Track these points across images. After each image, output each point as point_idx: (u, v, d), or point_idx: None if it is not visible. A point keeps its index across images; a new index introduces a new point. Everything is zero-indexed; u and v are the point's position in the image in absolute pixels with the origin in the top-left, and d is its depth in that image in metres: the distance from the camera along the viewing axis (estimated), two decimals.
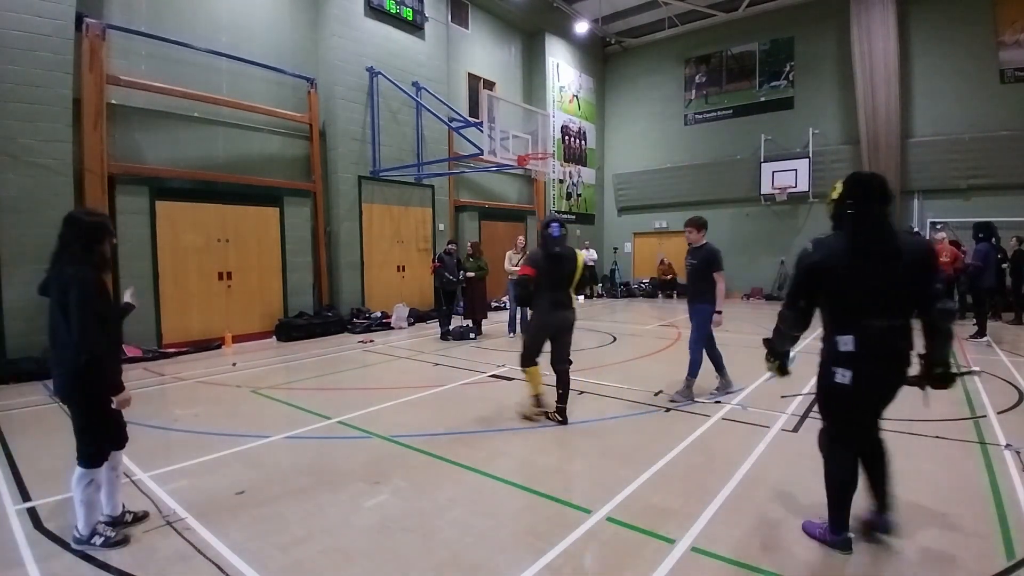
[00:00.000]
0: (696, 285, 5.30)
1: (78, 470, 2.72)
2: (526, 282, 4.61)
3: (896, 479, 3.43)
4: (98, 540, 2.71)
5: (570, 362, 4.73)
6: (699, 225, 5.41)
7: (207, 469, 3.75)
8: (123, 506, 2.98)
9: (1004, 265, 10.20)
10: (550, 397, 4.76)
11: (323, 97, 10.56)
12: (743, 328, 10.31)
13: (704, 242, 5.34)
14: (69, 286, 2.58)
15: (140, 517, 3.00)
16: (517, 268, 9.20)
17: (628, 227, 18.84)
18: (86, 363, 2.56)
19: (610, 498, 3.19)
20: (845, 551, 2.56)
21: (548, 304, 4.61)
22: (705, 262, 5.18)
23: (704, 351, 5.31)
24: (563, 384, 4.68)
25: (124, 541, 2.75)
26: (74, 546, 2.72)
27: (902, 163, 13.41)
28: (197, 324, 8.66)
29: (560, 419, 4.62)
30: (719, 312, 5.13)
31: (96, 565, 2.57)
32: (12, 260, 6.86)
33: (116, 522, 2.88)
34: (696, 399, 5.26)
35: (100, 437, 2.76)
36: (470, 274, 9.44)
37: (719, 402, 5.17)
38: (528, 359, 4.75)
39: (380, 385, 6.20)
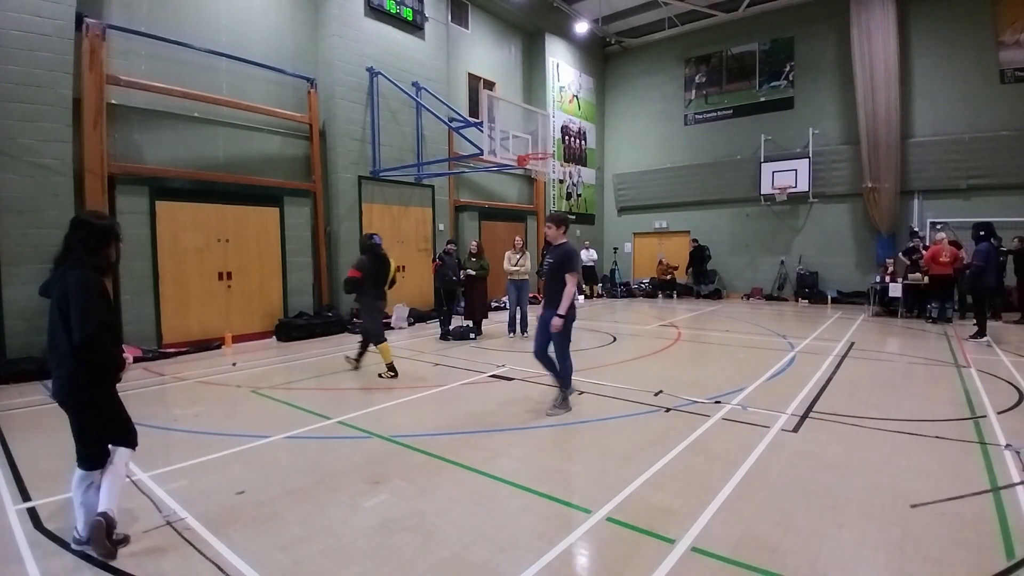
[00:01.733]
0: (553, 288, 4.90)
1: (78, 472, 2.73)
2: (356, 281, 6.40)
3: (896, 479, 3.44)
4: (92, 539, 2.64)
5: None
6: (559, 221, 5.05)
7: (207, 469, 3.75)
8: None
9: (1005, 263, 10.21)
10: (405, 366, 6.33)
11: (323, 97, 10.56)
12: (743, 328, 10.32)
13: (564, 240, 5.00)
14: (70, 289, 2.58)
15: (118, 537, 2.76)
16: (517, 268, 9.23)
17: (628, 227, 18.84)
18: (84, 339, 2.53)
19: (610, 498, 3.19)
20: None
21: (373, 296, 6.55)
22: (560, 262, 4.85)
23: (544, 354, 5.01)
24: (365, 346, 6.79)
25: (124, 541, 2.73)
26: (74, 547, 2.72)
27: (902, 163, 13.40)
28: (197, 324, 8.66)
29: (392, 374, 6.37)
30: (560, 316, 4.71)
31: (96, 565, 2.57)
32: (12, 260, 6.85)
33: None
34: (696, 400, 5.26)
35: (99, 439, 2.76)
36: (471, 272, 9.44)
37: (718, 402, 5.17)
38: (379, 338, 6.49)
39: (380, 385, 6.20)
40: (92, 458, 2.73)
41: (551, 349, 5.00)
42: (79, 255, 2.66)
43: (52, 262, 2.73)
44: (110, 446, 2.79)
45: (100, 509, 2.66)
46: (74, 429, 2.73)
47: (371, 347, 6.79)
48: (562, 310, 4.70)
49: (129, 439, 2.85)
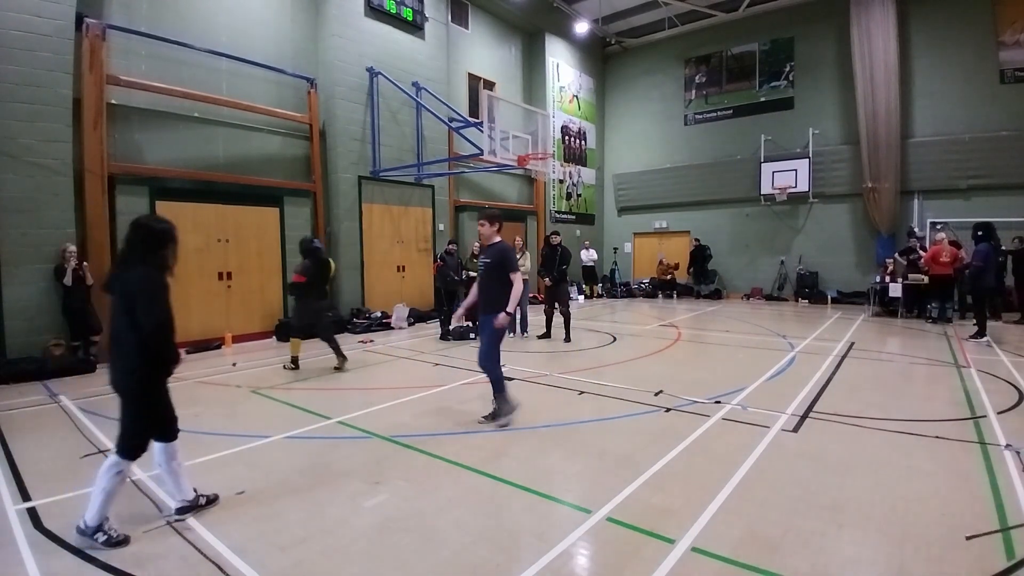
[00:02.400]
0: (489, 290, 4.57)
1: (112, 458, 2.80)
2: (301, 285, 6.74)
3: (896, 479, 3.44)
4: (101, 537, 2.70)
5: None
6: (492, 218, 4.69)
7: (207, 469, 3.75)
8: (195, 490, 3.12)
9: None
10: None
11: (323, 97, 10.56)
12: (743, 328, 10.32)
13: (499, 239, 4.69)
14: (135, 285, 2.78)
15: (212, 500, 3.17)
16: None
17: (628, 227, 18.84)
18: (150, 333, 2.76)
19: (610, 498, 3.19)
20: None
21: (315, 296, 6.90)
22: (498, 262, 4.52)
23: (490, 367, 4.63)
24: (333, 342, 6.96)
25: (125, 541, 2.74)
26: (75, 535, 2.72)
27: (902, 163, 13.40)
28: (197, 324, 8.66)
29: (294, 367, 6.92)
30: (508, 313, 4.46)
31: (97, 565, 2.57)
32: (12, 260, 6.85)
33: (192, 506, 3.06)
34: (696, 400, 5.26)
35: (145, 431, 2.91)
36: (473, 274, 9.43)
37: (718, 402, 5.17)
38: (297, 331, 7.06)
39: (380, 385, 6.20)
40: (135, 448, 2.85)
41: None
42: (140, 255, 2.87)
43: (114, 261, 2.98)
44: (154, 442, 2.96)
45: (190, 496, 3.04)
46: (124, 418, 2.86)
47: (345, 352, 7.21)
48: (511, 307, 4.44)
49: (172, 432, 3.04)
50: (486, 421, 4.65)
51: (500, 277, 4.48)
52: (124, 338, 2.80)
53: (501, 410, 4.63)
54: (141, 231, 2.94)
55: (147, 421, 2.90)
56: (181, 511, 3.02)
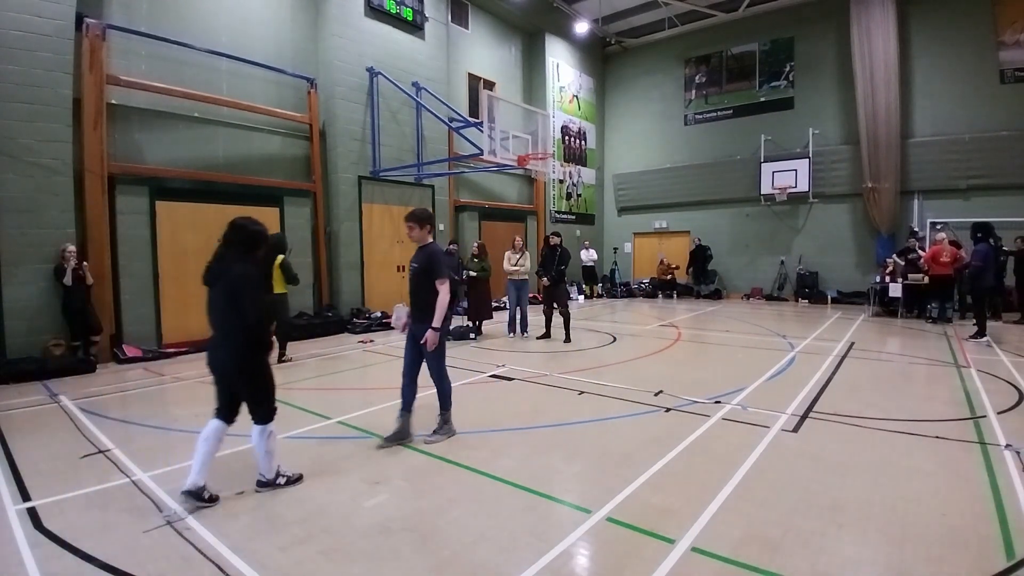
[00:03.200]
0: (417, 298, 4.18)
1: (257, 427, 3.30)
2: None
3: (896, 479, 3.44)
4: (281, 480, 3.40)
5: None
6: (421, 220, 4.21)
7: (207, 469, 3.74)
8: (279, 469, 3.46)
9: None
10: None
11: (323, 97, 10.56)
12: (743, 328, 10.32)
13: (430, 241, 4.27)
14: (239, 282, 3.12)
15: (294, 479, 3.48)
16: (516, 268, 9.22)
17: (628, 227, 18.84)
18: (255, 323, 3.14)
19: (610, 498, 3.19)
20: None
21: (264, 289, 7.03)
22: (425, 267, 4.10)
23: (410, 373, 4.25)
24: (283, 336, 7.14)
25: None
26: (257, 489, 3.34)
27: (902, 163, 13.40)
28: (197, 324, 8.59)
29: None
30: (435, 329, 4.00)
31: (97, 566, 2.57)
32: (12, 260, 6.85)
33: (271, 483, 3.40)
34: (696, 400, 5.26)
35: (270, 396, 3.35)
36: (472, 273, 9.44)
37: (718, 402, 5.17)
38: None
39: (380, 385, 6.20)
40: (270, 412, 3.34)
41: (424, 369, 4.26)
42: (240, 253, 3.23)
43: (213, 256, 3.28)
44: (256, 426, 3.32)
45: (272, 473, 3.39)
46: (246, 394, 3.29)
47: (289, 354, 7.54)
48: (436, 322, 4.00)
49: (272, 411, 3.37)
50: (433, 436, 4.29)
51: (427, 284, 4.06)
52: (229, 326, 3.17)
53: (440, 429, 4.32)
54: (241, 232, 3.26)
55: (269, 388, 3.34)
56: (261, 485, 3.39)
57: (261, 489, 3.37)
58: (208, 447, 3.17)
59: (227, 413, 3.30)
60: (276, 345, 3.21)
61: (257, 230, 3.33)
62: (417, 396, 4.30)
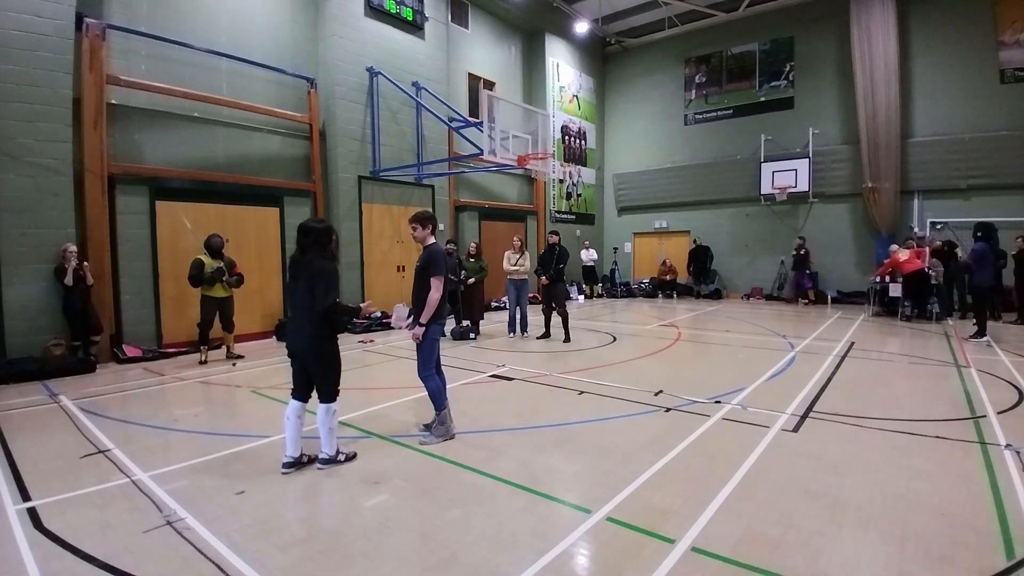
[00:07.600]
0: (418, 295, 4.23)
1: (323, 407, 3.64)
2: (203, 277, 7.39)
3: (896, 479, 3.44)
4: (341, 457, 3.75)
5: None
6: (423, 221, 4.36)
7: (207, 469, 3.75)
8: (339, 449, 3.82)
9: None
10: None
11: (323, 97, 10.56)
12: (743, 328, 10.32)
13: (432, 241, 4.38)
14: (319, 273, 3.54)
15: (350, 457, 3.83)
16: (516, 268, 9.22)
17: (628, 227, 18.83)
18: (329, 308, 3.55)
19: (610, 498, 3.19)
20: None
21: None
22: (424, 264, 4.21)
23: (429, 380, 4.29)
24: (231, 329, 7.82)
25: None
26: (319, 466, 3.66)
27: (902, 163, 13.40)
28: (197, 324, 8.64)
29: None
30: (422, 324, 4.11)
31: (97, 565, 2.57)
32: (12, 260, 6.85)
33: (298, 462, 3.70)
34: (696, 400, 5.26)
35: (338, 378, 3.73)
36: (471, 280, 9.43)
37: (718, 402, 5.17)
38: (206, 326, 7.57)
39: (380, 385, 6.20)
40: (334, 393, 3.69)
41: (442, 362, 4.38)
42: (317, 249, 3.61)
43: (292, 256, 3.72)
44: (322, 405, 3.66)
45: (334, 450, 3.74)
46: (318, 374, 3.66)
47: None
48: (424, 318, 4.11)
49: (336, 392, 3.73)
50: (428, 438, 4.26)
51: (426, 283, 4.16)
52: (309, 314, 3.55)
53: (434, 430, 4.28)
54: (312, 233, 3.63)
55: (336, 371, 3.70)
56: (323, 462, 3.69)
57: (323, 466, 3.67)
58: (293, 424, 3.64)
59: (303, 392, 3.72)
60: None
61: (324, 227, 3.69)
62: (418, 395, 4.29)
